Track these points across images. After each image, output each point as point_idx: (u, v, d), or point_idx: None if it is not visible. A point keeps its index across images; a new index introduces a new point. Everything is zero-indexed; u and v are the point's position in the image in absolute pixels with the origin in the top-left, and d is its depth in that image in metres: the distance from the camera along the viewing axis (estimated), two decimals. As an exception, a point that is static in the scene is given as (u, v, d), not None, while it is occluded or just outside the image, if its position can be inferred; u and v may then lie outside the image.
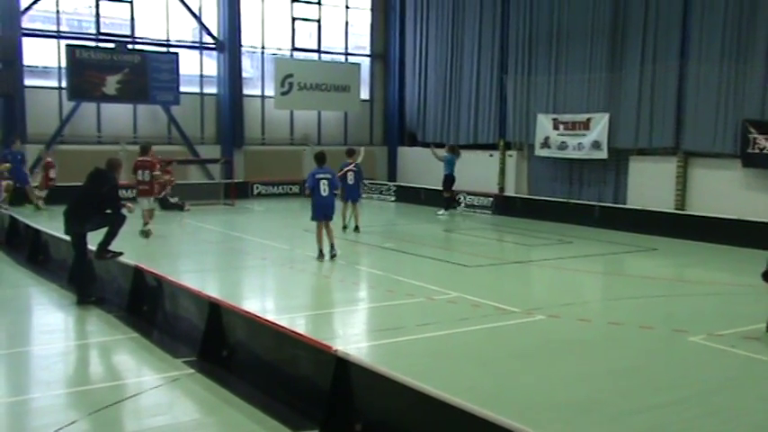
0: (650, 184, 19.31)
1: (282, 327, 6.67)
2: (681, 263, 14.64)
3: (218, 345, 7.18)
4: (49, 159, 20.58)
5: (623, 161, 20.23)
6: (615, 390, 6.75)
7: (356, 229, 16.90)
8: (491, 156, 24.03)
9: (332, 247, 13.43)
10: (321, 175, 13.27)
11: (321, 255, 13.34)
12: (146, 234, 15.36)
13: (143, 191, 15.64)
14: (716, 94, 17.69)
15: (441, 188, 21.47)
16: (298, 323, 8.81)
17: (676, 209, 18.48)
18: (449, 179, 21.30)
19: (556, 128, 21.53)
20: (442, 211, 21.22)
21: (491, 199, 22.43)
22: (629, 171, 20.06)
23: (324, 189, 13.18)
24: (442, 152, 21.81)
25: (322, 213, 13.30)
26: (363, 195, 25.48)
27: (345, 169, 16.80)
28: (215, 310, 7.31)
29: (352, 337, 8.82)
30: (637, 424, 5.98)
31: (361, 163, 17.42)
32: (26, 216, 16.09)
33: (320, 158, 13.58)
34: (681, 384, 6.98)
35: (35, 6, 22.91)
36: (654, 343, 8.42)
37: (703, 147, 18.17)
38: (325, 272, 12.59)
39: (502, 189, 23.47)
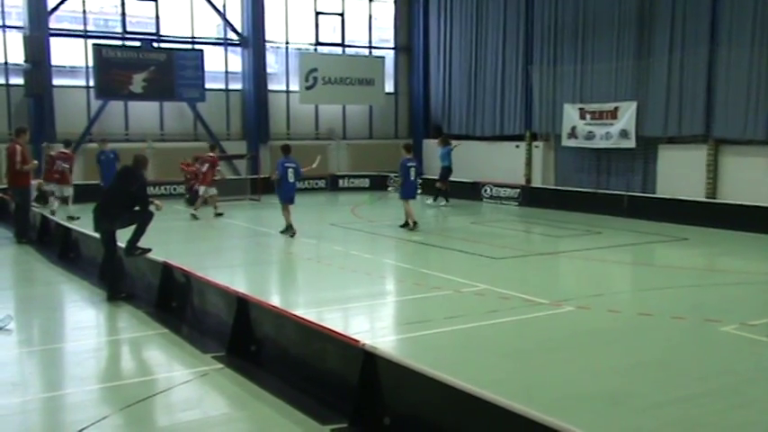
0: (680, 172, 19.04)
1: (309, 321, 6.69)
2: (712, 252, 14.44)
3: (247, 340, 7.22)
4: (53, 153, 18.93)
5: (652, 150, 19.97)
6: (646, 381, 6.67)
7: (407, 224, 16.25)
8: (517, 147, 23.87)
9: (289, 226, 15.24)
10: (289, 164, 15.06)
11: (292, 229, 15.18)
12: (216, 215, 18.58)
13: (202, 181, 19.01)
14: (746, 80, 17.37)
15: (440, 180, 21.80)
16: (325, 317, 8.83)
17: (707, 197, 18.21)
18: (447, 171, 21.57)
19: (582, 117, 21.31)
20: (430, 200, 21.53)
21: (518, 190, 22.31)
22: (659, 160, 19.80)
23: (290, 176, 15.01)
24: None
25: (288, 197, 15.15)
26: (390, 189, 25.63)
27: (409, 165, 16.42)
28: (243, 306, 7.34)
29: (380, 330, 8.83)
30: (668, 415, 5.90)
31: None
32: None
33: (286, 149, 15.43)
34: (713, 375, 6.89)
35: (62, 7, 23.18)
36: (685, 333, 8.32)
37: (734, 134, 17.86)
38: (351, 266, 12.60)
39: (528, 180, 23.31)
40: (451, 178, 22.27)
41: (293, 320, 6.76)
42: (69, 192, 18.13)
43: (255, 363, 7.03)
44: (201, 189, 19.04)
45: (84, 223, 12.62)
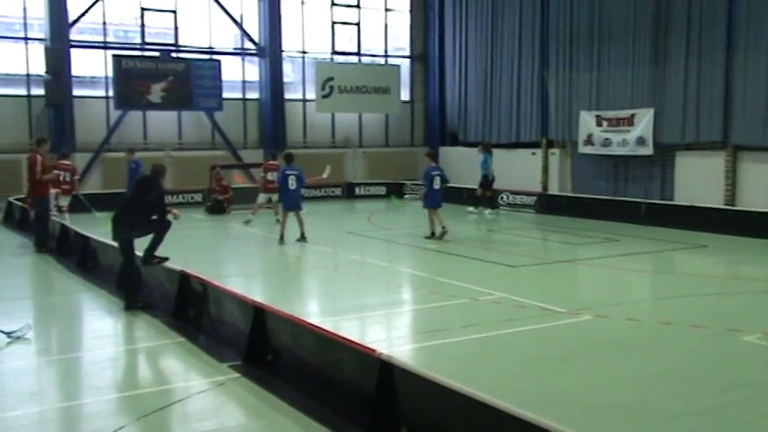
0: (698, 179, 18.90)
1: (325, 330, 6.67)
2: (732, 260, 14.28)
3: (263, 349, 7.22)
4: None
5: (669, 157, 19.85)
6: (665, 391, 6.59)
7: (434, 235, 15.88)
8: (534, 154, 23.82)
9: (302, 234, 15.41)
10: (290, 172, 15.28)
11: (282, 239, 15.31)
12: (248, 221, 18.75)
13: (270, 188, 19.06)
14: (764, 85, 17.25)
15: (480, 188, 21.50)
16: (342, 326, 8.82)
17: (726, 204, 18.05)
18: (486, 179, 21.37)
19: (599, 124, 21.23)
20: (489, 210, 21.33)
21: (534, 198, 22.21)
22: (676, 167, 19.67)
23: (291, 183, 15.18)
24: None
25: (291, 204, 15.39)
26: (406, 196, 25.53)
27: (433, 174, 15.88)
28: (259, 315, 7.35)
29: (397, 339, 8.81)
30: (687, 427, 5.84)
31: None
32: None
33: (289, 158, 15.64)
34: (734, 386, 6.79)
35: (83, 19, 23.46)
36: (706, 343, 8.23)
37: (753, 140, 17.72)
38: (368, 274, 12.59)
39: (545, 187, 23.23)
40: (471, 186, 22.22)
41: (309, 329, 6.76)
42: (64, 201, 18.01)
43: (272, 372, 7.03)
44: (265, 197, 19.35)
45: (98, 231, 12.70)
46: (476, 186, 21.70)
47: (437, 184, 15.82)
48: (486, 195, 21.52)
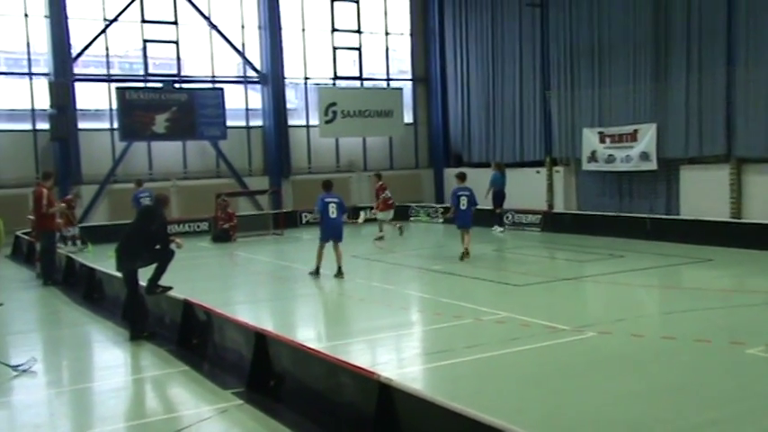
0: (703, 193, 18.88)
1: (325, 354, 6.70)
2: (738, 273, 14.22)
3: (266, 375, 7.25)
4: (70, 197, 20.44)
5: (674, 171, 19.85)
6: (669, 406, 6.57)
7: (465, 254, 15.79)
8: (538, 172, 23.86)
9: (339, 269, 14.11)
10: (330, 199, 14.19)
11: (317, 272, 14.22)
12: (381, 238, 19.95)
13: (390, 205, 20.29)
14: (765, 97, 17.28)
15: (493, 207, 21.60)
16: (347, 350, 8.84)
17: (732, 217, 18.01)
18: (500, 195, 21.45)
19: (602, 141, 21.28)
20: (500, 229, 21.38)
21: (539, 216, 22.21)
22: (681, 181, 19.66)
23: (332, 212, 14.07)
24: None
25: (331, 234, 14.21)
26: (411, 218, 25.55)
27: (459, 194, 15.88)
28: (261, 341, 7.38)
29: (401, 361, 8.80)
30: (692, 441, 5.81)
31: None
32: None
33: (327, 185, 14.56)
34: (738, 399, 6.76)
35: (86, 52, 23.74)
36: (710, 357, 8.19)
37: (756, 152, 17.73)
38: (373, 298, 12.61)
39: (551, 206, 23.23)
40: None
41: (309, 354, 6.79)
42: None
43: (274, 398, 7.05)
44: (380, 215, 20.37)
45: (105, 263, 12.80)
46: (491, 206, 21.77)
47: (463, 205, 15.74)
48: (496, 212, 21.58)
